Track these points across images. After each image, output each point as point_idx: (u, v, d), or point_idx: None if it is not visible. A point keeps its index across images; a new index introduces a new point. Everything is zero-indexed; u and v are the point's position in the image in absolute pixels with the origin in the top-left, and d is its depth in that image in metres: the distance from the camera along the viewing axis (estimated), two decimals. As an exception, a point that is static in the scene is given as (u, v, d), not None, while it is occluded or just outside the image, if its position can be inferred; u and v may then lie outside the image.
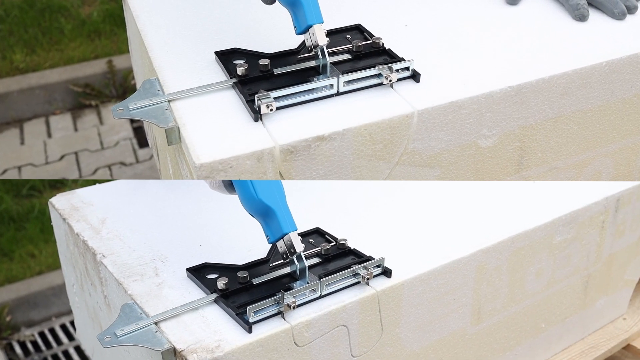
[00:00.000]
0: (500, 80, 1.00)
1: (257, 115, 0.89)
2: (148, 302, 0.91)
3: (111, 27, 3.44)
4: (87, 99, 3.17)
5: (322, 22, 0.92)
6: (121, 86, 3.19)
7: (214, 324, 0.87)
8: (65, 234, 1.15)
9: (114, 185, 1.26)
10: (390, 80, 0.95)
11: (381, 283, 0.94)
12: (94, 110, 3.15)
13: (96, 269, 1.04)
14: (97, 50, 3.31)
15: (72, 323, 2.49)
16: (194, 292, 0.93)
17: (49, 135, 3.01)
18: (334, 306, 0.89)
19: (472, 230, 1.09)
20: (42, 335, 2.46)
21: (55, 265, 2.57)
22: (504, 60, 1.05)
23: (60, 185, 2.89)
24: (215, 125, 0.89)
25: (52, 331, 2.48)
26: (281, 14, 0.97)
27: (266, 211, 0.89)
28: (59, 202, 1.18)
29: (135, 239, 1.07)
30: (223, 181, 0.90)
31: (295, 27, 0.93)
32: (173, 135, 0.90)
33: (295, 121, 0.90)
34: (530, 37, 1.10)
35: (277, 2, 0.94)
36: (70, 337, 2.45)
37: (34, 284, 2.53)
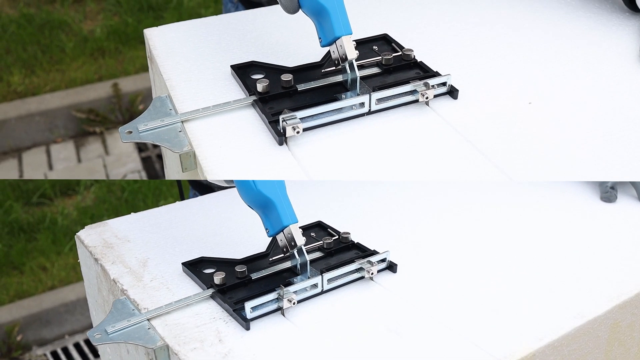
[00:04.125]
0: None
1: (281, 138, 0.89)
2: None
3: (116, 45, 3.47)
4: (91, 125, 3.21)
5: (351, 34, 0.92)
6: (128, 111, 3.22)
7: (210, 321, 0.88)
8: (97, 277, 1.06)
9: (151, 215, 1.17)
10: (427, 98, 0.95)
11: (510, 354, 0.87)
12: (98, 138, 3.18)
13: (140, 327, 0.98)
14: (100, 70, 3.35)
15: (86, 342, 2.52)
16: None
17: (50, 166, 3.05)
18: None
19: (600, 280, 1.03)
20: (54, 354, 2.49)
21: (68, 279, 2.60)
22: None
23: (71, 192, 2.93)
24: (235, 149, 0.89)
25: (65, 350, 2.51)
26: (302, 23, 0.97)
27: (265, 203, 0.92)
28: (89, 237, 1.08)
29: (186, 288, 0.98)
30: None
31: (320, 38, 0.93)
32: (188, 162, 0.89)
33: (324, 145, 0.90)
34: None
35: (300, 10, 0.94)
36: (84, 357, 2.47)
37: (46, 300, 2.56)
